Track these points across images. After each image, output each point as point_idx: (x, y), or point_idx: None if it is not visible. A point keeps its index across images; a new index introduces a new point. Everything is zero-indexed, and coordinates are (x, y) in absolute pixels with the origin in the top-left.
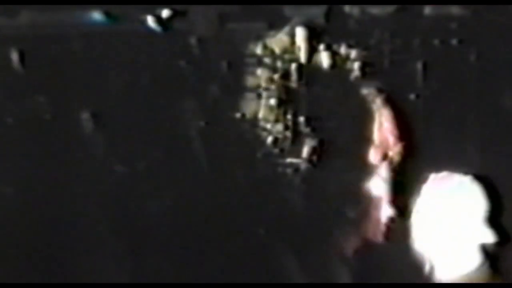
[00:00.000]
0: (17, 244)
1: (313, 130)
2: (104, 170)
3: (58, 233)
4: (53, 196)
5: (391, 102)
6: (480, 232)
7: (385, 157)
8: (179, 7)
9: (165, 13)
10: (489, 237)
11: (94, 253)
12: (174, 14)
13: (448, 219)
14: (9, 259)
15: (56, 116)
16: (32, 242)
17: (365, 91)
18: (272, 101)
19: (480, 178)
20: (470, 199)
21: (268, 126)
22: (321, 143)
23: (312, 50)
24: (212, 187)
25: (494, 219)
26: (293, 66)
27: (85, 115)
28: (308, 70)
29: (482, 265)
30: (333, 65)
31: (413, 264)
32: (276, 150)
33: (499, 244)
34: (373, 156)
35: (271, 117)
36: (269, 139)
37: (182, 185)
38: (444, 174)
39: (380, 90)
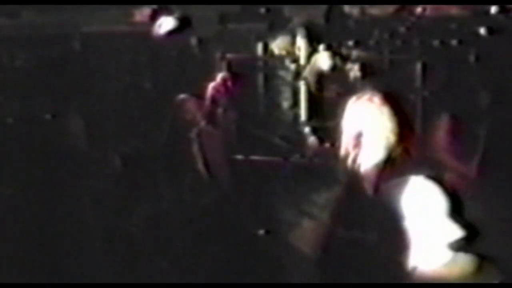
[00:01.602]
0: (16, 244)
1: (313, 130)
2: (103, 170)
3: (58, 233)
4: (53, 196)
5: (391, 102)
6: (447, 229)
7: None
8: (179, 7)
9: (166, 13)
10: (456, 233)
11: (94, 253)
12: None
13: (412, 221)
14: (9, 259)
15: (55, 116)
16: (31, 242)
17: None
18: (272, 101)
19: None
20: (428, 198)
21: (269, 125)
22: (321, 143)
23: (312, 50)
24: (212, 187)
25: (457, 215)
26: (293, 66)
27: (85, 115)
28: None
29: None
30: (333, 65)
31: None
32: (277, 150)
33: (467, 239)
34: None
35: (271, 116)
36: (270, 139)
37: (182, 185)
38: (396, 180)
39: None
